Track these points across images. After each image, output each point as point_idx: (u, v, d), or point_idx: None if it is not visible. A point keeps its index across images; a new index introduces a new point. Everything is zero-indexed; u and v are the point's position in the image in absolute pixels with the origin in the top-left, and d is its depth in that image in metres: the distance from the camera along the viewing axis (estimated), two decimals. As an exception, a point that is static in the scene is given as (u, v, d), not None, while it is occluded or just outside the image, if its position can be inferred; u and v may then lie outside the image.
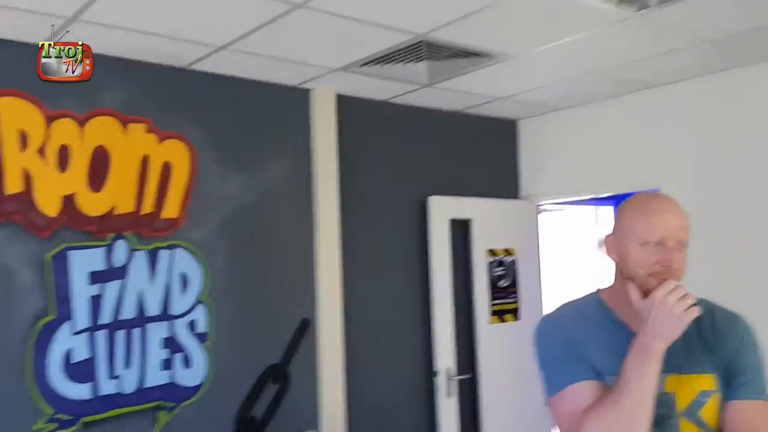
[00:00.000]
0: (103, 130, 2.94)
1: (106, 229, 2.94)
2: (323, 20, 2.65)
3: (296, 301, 3.50)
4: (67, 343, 2.82)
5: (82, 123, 2.89)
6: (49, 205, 2.79)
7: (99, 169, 2.93)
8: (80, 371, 2.84)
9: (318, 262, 3.56)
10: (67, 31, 2.00)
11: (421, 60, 3.20)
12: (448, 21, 2.73)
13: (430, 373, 3.98)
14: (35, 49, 2.75)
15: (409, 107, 4.05)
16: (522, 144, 4.63)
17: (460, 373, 4.05)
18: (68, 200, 2.84)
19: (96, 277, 2.91)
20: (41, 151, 2.78)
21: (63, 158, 2.83)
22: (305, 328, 3.51)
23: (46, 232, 2.78)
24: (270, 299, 3.42)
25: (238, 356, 3.28)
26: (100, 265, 2.92)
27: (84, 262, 2.87)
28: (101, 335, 2.91)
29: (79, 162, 2.87)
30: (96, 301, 2.90)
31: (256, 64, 3.18)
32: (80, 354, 2.85)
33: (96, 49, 2.90)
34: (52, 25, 1.97)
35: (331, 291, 3.59)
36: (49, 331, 2.78)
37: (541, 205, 4.65)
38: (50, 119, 2.80)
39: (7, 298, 2.69)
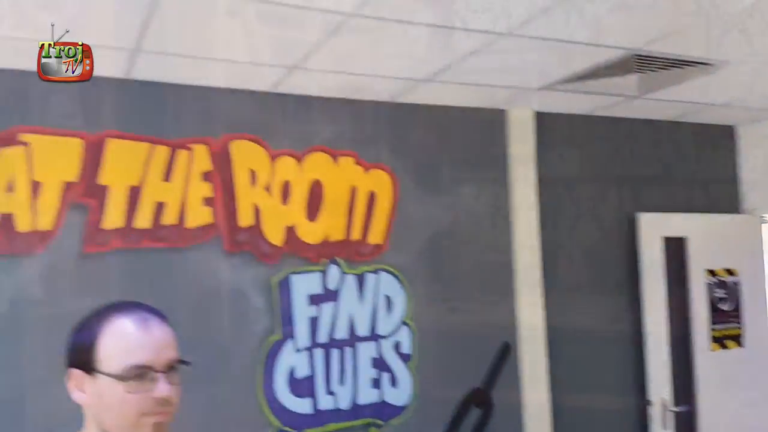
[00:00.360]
0: (317, 165, 3.20)
1: (321, 255, 3.18)
2: (531, 44, 2.63)
3: (497, 324, 3.48)
4: (290, 360, 3.09)
5: (299, 159, 3.16)
6: (274, 235, 3.09)
7: (315, 200, 3.18)
8: (302, 387, 3.10)
9: (517, 283, 3.52)
10: (67, 31, 1.96)
11: (631, 73, 3.04)
12: (664, 34, 2.57)
13: (642, 403, 3.73)
14: (259, 96, 3.09)
15: (612, 119, 3.85)
16: (743, 152, 4.18)
17: (676, 404, 3.74)
18: (290, 230, 3.12)
19: (314, 300, 3.16)
20: (267, 187, 3.09)
21: (285, 192, 3.12)
22: (507, 352, 3.48)
23: (272, 260, 3.08)
24: (470, 322, 3.44)
25: (440, 378, 3.34)
26: (317, 289, 3.17)
27: (304, 285, 3.13)
28: (319, 353, 3.14)
29: (299, 195, 3.14)
30: (314, 322, 3.15)
31: (455, 91, 3.25)
32: (302, 370, 3.10)
33: (313, 92, 3.20)
34: (52, 25, 1.98)
35: (532, 314, 3.53)
36: (276, 348, 3.07)
37: (766, 219, 4.16)
38: (274, 157, 3.11)
39: (242, 318, 3.02)
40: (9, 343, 2.64)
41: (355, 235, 3.26)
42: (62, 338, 1.27)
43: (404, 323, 3.33)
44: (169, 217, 2.88)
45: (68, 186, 2.73)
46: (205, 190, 2.94)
